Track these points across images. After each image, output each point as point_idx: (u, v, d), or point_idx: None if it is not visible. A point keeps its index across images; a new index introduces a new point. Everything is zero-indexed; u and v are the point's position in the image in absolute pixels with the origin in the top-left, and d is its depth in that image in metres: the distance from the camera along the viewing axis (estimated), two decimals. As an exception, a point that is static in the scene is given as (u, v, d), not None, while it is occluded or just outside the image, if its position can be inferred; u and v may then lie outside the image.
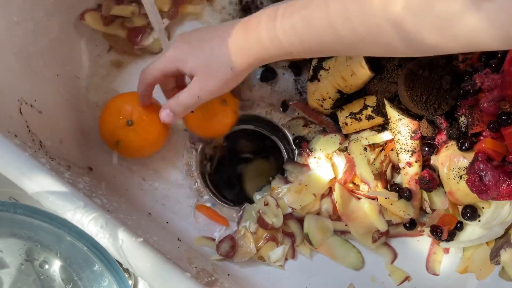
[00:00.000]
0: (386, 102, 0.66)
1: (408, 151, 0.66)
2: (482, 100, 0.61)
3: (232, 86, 0.58)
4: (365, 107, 0.69)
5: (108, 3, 0.77)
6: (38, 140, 0.62)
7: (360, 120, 0.70)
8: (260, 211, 0.71)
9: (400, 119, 0.65)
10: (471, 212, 0.64)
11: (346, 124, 0.71)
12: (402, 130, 0.65)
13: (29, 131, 0.62)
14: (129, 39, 0.78)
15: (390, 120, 0.66)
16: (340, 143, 0.72)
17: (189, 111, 0.63)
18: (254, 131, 0.82)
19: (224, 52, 0.55)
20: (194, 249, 0.70)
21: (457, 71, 0.64)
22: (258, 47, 0.53)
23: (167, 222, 0.72)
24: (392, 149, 0.68)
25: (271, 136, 0.81)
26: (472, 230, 0.66)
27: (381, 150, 0.70)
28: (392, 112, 0.65)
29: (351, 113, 0.70)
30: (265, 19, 0.52)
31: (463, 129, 0.63)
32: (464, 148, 0.62)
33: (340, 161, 0.71)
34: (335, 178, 0.71)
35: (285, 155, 0.80)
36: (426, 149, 0.66)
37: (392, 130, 0.66)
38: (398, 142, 0.66)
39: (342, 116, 0.71)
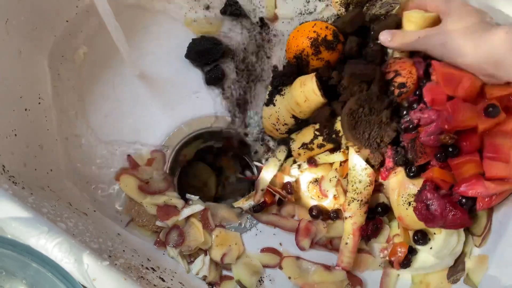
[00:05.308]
0: (351, 149, 0.67)
1: (361, 201, 0.67)
2: (421, 134, 0.61)
3: None
4: (316, 136, 0.70)
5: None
6: (1, 164, 0.61)
7: (312, 149, 0.71)
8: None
9: (366, 169, 0.66)
10: (422, 237, 0.65)
11: (300, 154, 0.73)
12: (363, 179, 0.66)
13: (-8, 156, 0.61)
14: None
15: (352, 168, 0.67)
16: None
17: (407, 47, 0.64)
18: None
19: None
20: (166, 269, 0.69)
21: (394, 104, 0.64)
22: None
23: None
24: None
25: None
26: (425, 258, 0.67)
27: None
28: (358, 161, 0.66)
29: (303, 144, 0.72)
30: None
31: (409, 155, 0.63)
32: (411, 174, 0.63)
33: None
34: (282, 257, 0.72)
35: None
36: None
37: (352, 178, 0.67)
38: (355, 190, 0.67)
39: (295, 147, 0.73)
